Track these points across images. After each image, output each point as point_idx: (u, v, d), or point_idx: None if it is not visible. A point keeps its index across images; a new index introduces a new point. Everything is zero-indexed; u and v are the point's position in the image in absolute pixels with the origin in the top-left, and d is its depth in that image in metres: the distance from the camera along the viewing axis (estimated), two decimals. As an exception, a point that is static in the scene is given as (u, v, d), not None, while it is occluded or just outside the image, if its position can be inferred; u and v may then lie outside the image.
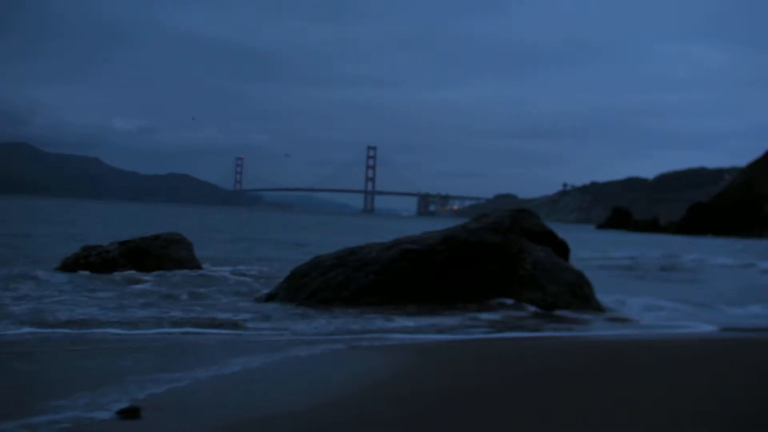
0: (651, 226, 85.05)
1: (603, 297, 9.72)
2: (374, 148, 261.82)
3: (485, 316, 8.30)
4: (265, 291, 9.78)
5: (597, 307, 9.30)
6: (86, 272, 11.00)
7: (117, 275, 10.93)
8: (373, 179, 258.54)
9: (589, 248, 27.11)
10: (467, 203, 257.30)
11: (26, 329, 6.48)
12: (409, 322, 7.69)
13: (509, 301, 8.92)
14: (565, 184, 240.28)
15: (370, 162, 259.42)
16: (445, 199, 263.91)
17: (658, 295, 11.23)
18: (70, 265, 11.27)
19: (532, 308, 8.79)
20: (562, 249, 10.37)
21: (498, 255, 9.17)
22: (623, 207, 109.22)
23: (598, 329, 8.15)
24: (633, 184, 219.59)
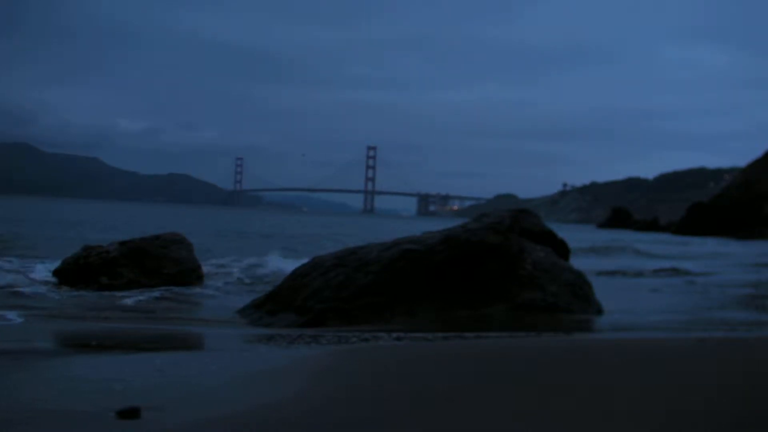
0: (651, 226, 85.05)
1: (603, 297, 9.73)
2: (374, 148, 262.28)
3: (482, 315, 8.31)
4: (265, 291, 9.79)
5: (597, 308, 9.32)
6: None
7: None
8: (373, 179, 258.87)
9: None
10: (467, 203, 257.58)
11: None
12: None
13: (508, 301, 8.92)
14: (565, 185, 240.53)
15: (370, 162, 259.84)
16: (445, 199, 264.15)
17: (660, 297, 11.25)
18: (70, 266, 11.26)
19: (531, 308, 8.78)
20: (562, 249, 10.37)
21: (498, 255, 9.17)
22: (623, 207, 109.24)
23: (595, 329, 8.16)
24: (633, 184, 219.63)
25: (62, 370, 4.89)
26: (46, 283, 10.72)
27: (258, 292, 10.11)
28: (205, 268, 12.51)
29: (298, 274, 9.28)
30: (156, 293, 10.34)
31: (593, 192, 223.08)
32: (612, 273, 17.01)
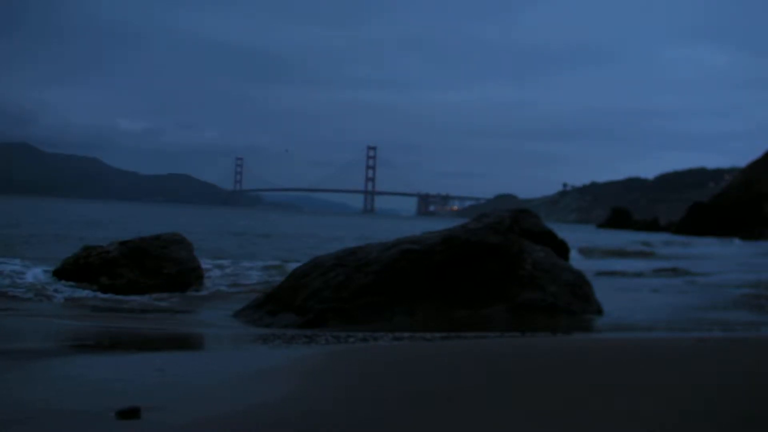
0: (651, 226, 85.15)
1: (603, 297, 9.72)
2: (374, 148, 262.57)
3: (481, 315, 8.31)
4: (264, 291, 9.79)
5: (597, 308, 9.32)
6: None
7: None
8: (373, 179, 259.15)
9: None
10: (467, 203, 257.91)
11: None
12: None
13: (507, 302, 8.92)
14: (565, 185, 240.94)
15: (370, 162, 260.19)
16: (445, 199, 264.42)
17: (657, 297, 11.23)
18: (70, 266, 11.26)
19: (530, 308, 8.78)
20: (561, 249, 10.38)
21: (498, 255, 9.17)
22: (623, 207, 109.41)
23: (595, 329, 8.14)
24: (633, 184, 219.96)
25: (62, 370, 4.89)
26: (45, 283, 10.71)
27: (258, 292, 10.11)
28: (204, 268, 12.50)
29: (298, 274, 9.28)
30: (156, 293, 10.34)
31: (593, 192, 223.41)
32: (612, 273, 17.02)
